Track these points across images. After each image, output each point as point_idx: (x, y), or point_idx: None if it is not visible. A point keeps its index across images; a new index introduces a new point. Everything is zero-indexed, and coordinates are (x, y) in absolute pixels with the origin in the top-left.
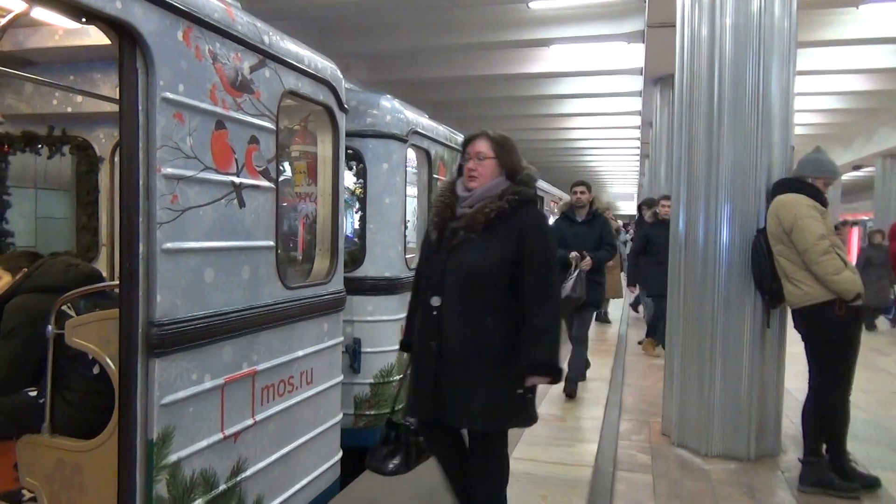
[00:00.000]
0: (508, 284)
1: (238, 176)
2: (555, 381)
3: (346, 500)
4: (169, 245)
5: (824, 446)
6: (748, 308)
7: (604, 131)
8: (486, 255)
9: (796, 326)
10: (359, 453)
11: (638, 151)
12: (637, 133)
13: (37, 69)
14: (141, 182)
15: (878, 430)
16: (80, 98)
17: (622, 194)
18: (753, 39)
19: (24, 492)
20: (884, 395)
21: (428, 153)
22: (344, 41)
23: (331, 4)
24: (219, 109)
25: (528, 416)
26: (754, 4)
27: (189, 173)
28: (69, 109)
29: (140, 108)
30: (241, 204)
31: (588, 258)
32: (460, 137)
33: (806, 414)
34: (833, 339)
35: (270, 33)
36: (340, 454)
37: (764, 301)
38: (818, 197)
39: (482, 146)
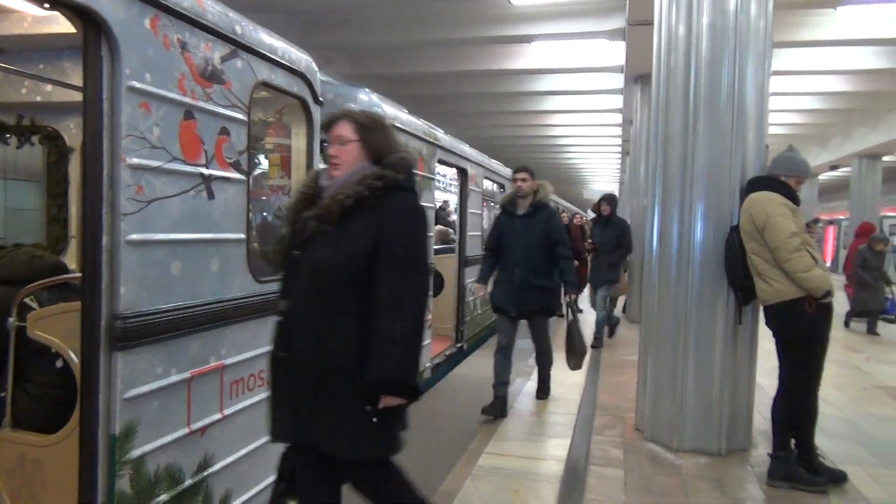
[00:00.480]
0: (368, 284)
1: (207, 167)
2: (410, 400)
3: None
4: (134, 237)
5: (793, 441)
6: (721, 305)
7: (585, 129)
8: (338, 249)
9: (767, 323)
10: None
11: (619, 149)
12: (618, 131)
13: (6, 57)
14: (105, 172)
15: (847, 425)
16: (49, 87)
17: (604, 192)
18: (729, 39)
19: None
20: (854, 392)
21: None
22: (326, 34)
23: None
24: (187, 99)
25: (385, 444)
26: (731, 4)
27: (155, 164)
28: (38, 98)
29: (104, 96)
30: (211, 196)
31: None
32: (439, 133)
33: (775, 409)
34: (803, 336)
35: (243, 23)
36: None
37: (736, 298)
38: (791, 195)
39: (343, 129)
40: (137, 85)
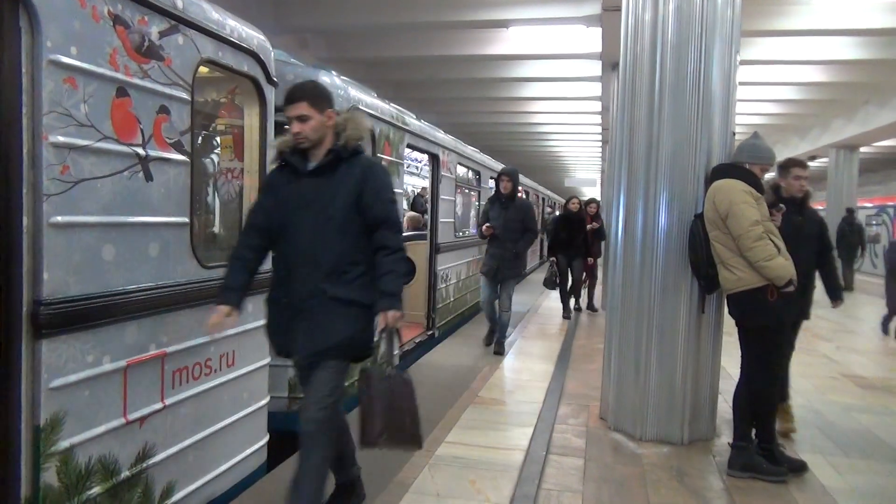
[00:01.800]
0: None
1: (144, 148)
2: None
3: (268, 485)
4: (58, 219)
5: (754, 430)
6: (684, 293)
7: (565, 116)
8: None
9: (730, 311)
10: (294, 437)
11: (599, 137)
12: (598, 119)
13: None
14: (24, 150)
15: (811, 413)
16: None
17: (585, 180)
18: (696, 25)
19: None
20: (821, 381)
21: (371, 131)
22: (300, 16)
23: None
24: (120, 76)
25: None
26: None
27: (83, 142)
28: None
29: (24, 70)
30: (149, 177)
31: None
32: (410, 117)
33: (736, 398)
34: (765, 325)
35: None
36: (267, 438)
37: (700, 286)
38: (755, 183)
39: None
40: (61, 59)
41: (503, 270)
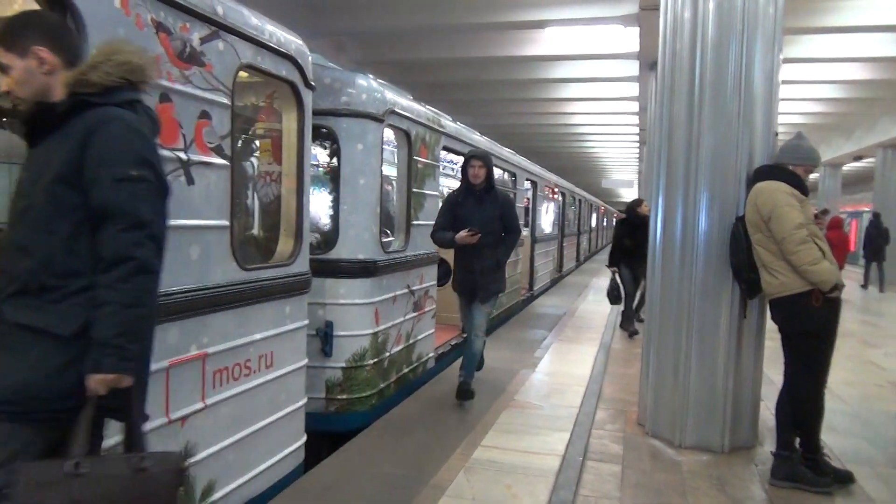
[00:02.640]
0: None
1: (186, 152)
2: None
3: (306, 484)
4: None
5: (798, 439)
6: (725, 297)
7: (602, 117)
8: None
9: (772, 317)
10: (329, 438)
11: (637, 138)
12: (636, 119)
13: None
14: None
15: (857, 423)
16: None
17: (622, 181)
18: (737, 23)
19: None
20: (867, 388)
21: (408, 134)
22: (337, 20)
23: None
24: (163, 81)
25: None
26: None
27: None
28: None
29: None
30: (190, 181)
31: None
32: (446, 119)
33: (780, 406)
34: (809, 331)
35: (225, 3)
36: (304, 439)
37: (741, 290)
38: (798, 185)
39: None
40: None
41: (482, 286)
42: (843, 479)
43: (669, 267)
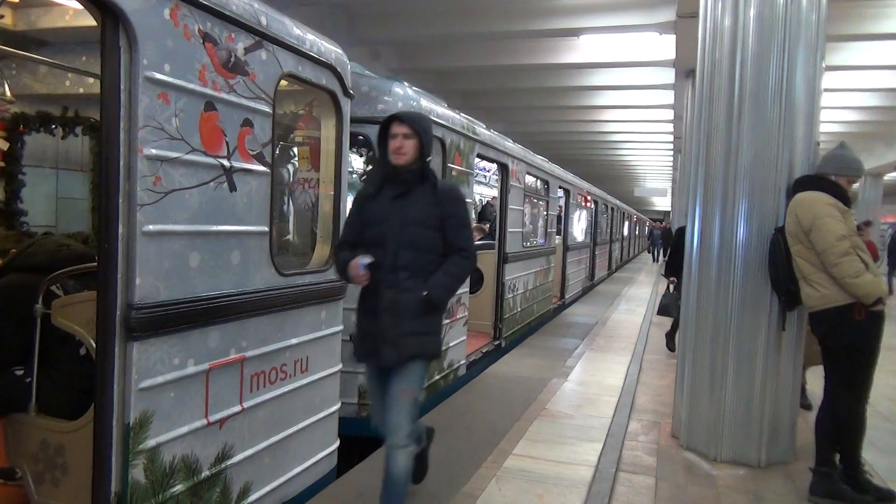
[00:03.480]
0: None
1: (229, 159)
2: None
3: (339, 489)
4: (150, 227)
5: (838, 456)
6: (764, 309)
7: (636, 125)
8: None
9: (813, 330)
10: (362, 443)
11: (671, 146)
12: (670, 127)
13: (50, 50)
14: (122, 162)
15: None
16: (91, 79)
17: (656, 189)
18: (778, 31)
19: (18, 469)
20: None
21: (443, 141)
22: (373, 28)
23: None
24: (208, 90)
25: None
26: None
27: (174, 155)
28: (81, 90)
29: (122, 87)
30: (232, 188)
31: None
32: (480, 127)
33: (819, 421)
34: (851, 345)
35: (268, 14)
36: (338, 443)
37: (780, 302)
38: (840, 195)
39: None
40: (156, 75)
41: (394, 341)
42: (885, 498)
43: (707, 277)
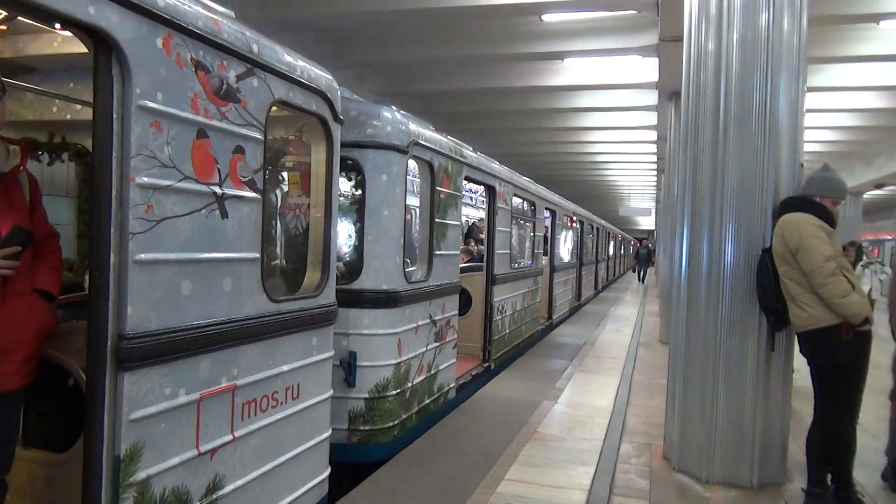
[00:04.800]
0: None
1: (221, 186)
2: None
3: None
4: (142, 256)
5: (829, 476)
6: (753, 330)
7: (620, 146)
8: None
9: (801, 350)
10: (352, 470)
11: (654, 166)
12: (653, 148)
13: (37, 76)
14: (114, 191)
15: None
16: (79, 106)
17: (640, 209)
18: (761, 54)
19: None
20: None
21: (431, 165)
22: (359, 52)
23: (345, 15)
24: (200, 118)
25: None
26: (762, 19)
27: (166, 183)
28: (69, 117)
29: (115, 115)
30: (224, 215)
31: None
32: (467, 150)
33: (810, 441)
34: (839, 365)
35: (260, 41)
36: (328, 471)
37: (769, 323)
38: (826, 216)
39: None
40: (148, 104)
41: None
42: None
43: (695, 299)
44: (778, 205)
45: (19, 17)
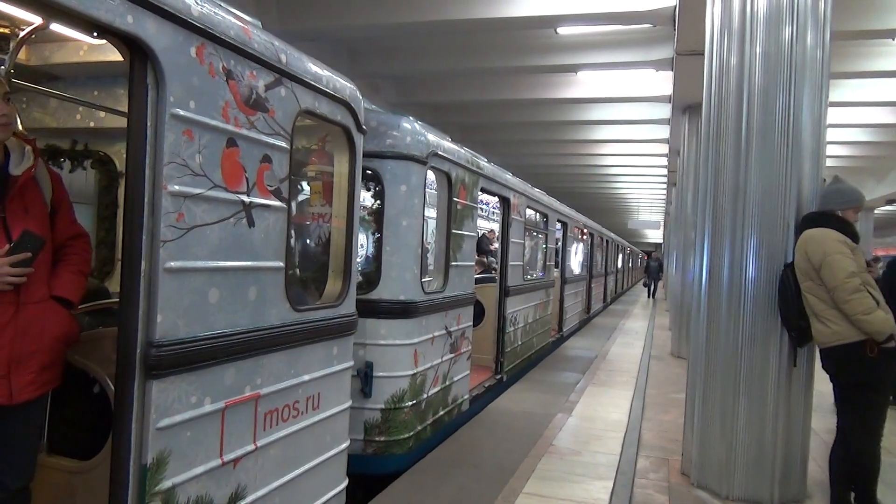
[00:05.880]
0: None
1: (248, 195)
2: None
3: None
4: (172, 264)
5: (853, 494)
6: (774, 345)
7: (631, 158)
8: None
9: (824, 366)
10: (368, 481)
11: (665, 179)
12: (664, 161)
13: (62, 84)
14: (146, 199)
15: None
16: (102, 113)
17: (649, 222)
18: (784, 69)
19: None
20: None
21: (448, 176)
22: (373, 63)
23: (360, 27)
24: (231, 127)
25: None
26: (786, 33)
27: (197, 191)
28: (92, 124)
29: (148, 123)
30: (251, 223)
31: None
32: (483, 161)
33: (833, 459)
34: (863, 382)
35: (288, 52)
36: (346, 482)
37: (791, 338)
38: (849, 231)
39: None
40: (181, 112)
41: None
42: None
43: (716, 313)
44: (800, 219)
45: (49, 28)
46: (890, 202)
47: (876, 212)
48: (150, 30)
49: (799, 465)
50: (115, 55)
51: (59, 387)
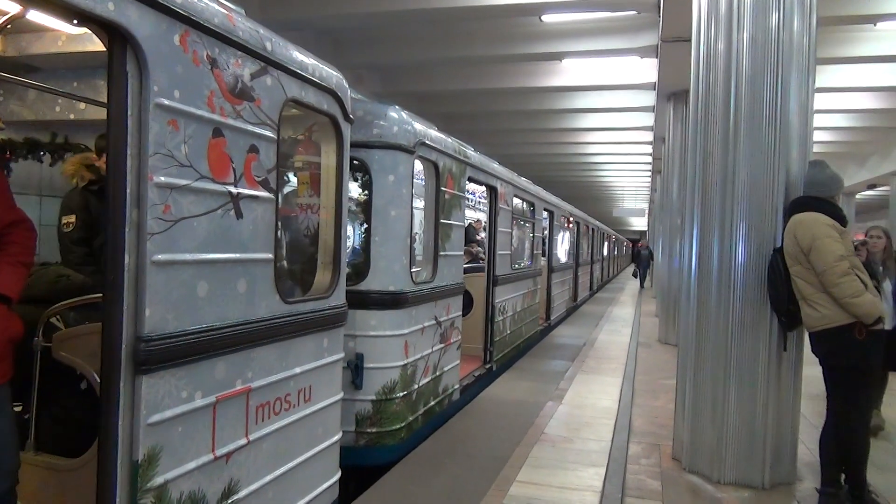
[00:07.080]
0: None
1: (236, 186)
2: None
3: None
4: (160, 257)
5: (843, 476)
6: (764, 330)
7: (616, 146)
8: None
9: (813, 350)
10: (359, 472)
11: (650, 167)
12: (649, 149)
13: (40, 75)
14: (129, 191)
15: None
16: (83, 105)
17: (634, 209)
18: (772, 54)
19: None
20: None
21: (436, 165)
22: (357, 53)
23: (344, 16)
24: (216, 117)
25: None
26: (772, 19)
27: (183, 182)
28: (72, 116)
29: (130, 113)
30: (239, 215)
31: None
32: (469, 150)
33: (823, 441)
34: (852, 364)
35: (273, 40)
36: (339, 474)
37: (780, 323)
38: (837, 215)
39: None
40: (166, 102)
41: None
42: None
43: (706, 299)
44: (789, 204)
45: (26, 17)
46: (871, 187)
47: (857, 197)
48: (132, 17)
49: (789, 448)
50: (94, 45)
51: (46, 384)
